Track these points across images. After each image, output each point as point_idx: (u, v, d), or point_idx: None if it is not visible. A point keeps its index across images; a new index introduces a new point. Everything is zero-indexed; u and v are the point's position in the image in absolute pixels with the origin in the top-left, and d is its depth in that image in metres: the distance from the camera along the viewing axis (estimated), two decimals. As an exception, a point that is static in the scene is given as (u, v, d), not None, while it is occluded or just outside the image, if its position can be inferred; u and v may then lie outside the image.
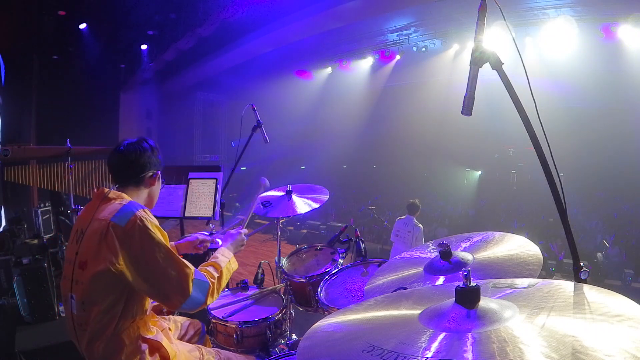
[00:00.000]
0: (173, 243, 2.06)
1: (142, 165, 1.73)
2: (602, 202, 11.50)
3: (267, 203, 2.91)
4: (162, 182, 1.88)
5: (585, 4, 8.23)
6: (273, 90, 13.97)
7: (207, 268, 1.71)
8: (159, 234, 1.56)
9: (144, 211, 1.58)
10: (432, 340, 0.86)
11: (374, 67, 13.16)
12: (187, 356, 1.74)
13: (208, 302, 1.62)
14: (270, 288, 2.55)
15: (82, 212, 1.72)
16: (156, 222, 1.59)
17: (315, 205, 2.84)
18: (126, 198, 1.65)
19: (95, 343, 1.51)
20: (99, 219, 1.56)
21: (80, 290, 1.53)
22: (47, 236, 4.12)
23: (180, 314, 2.27)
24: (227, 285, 2.84)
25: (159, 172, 1.81)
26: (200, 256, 3.11)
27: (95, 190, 1.70)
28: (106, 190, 1.66)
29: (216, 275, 1.69)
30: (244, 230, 2.06)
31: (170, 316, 2.06)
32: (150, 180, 1.78)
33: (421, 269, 1.55)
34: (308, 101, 15.15)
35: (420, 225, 5.97)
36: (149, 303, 1.67)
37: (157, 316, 1.85)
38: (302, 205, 2.85)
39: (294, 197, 2.91)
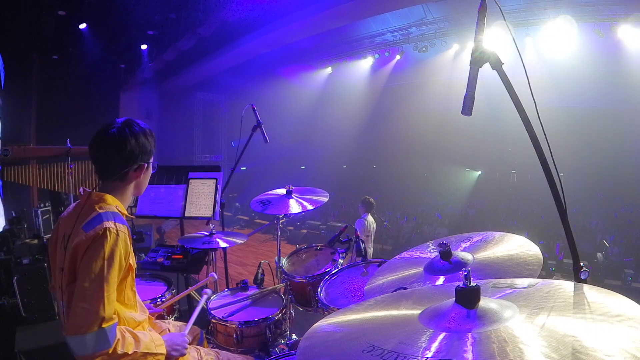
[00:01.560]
0: None
1: (125, 160, 1.53)
2: (602, 202, 11.51)
3: (267, 201, 2.91)
4: (154, 166, 1.68)
5: (585, 4, 8.23)
6: (273, 90, 13.97)
7: (127, 337, 1.42)
8: (110, 259, 1.38)
9: (115, 225, 1.42)
10: (432, 340, 0.86)
11: (374, 67, 13.16)
12: (185, 357, 1.74)
13: None
14: (270, 288, 2.55)
15: (68, 214, 1.59)
16: (121, 243, 1.41)
17: (311, 207, 2.84)
18: (106, 203, 1.50)
19: None
20: (78, 227, 1.45)
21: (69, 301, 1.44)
22: (47, 236, 4.11)
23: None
24: (227, 286, 2.85)
25: (145, 163, 1.59)
26: (200, 256, 3.12)
27: (81, 191, 1.57)
28: (90, 192, 1.55)
29: (131, 350, 1.40)
30: (188, 337, 1.75)
31: (170, 320, 2.05)
32: (135, 174, 1.58)
33: (421, 269, 1.55)
34: (308, 101, 15.16)
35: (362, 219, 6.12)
36: (141, 314, 1.60)
37: (156, 320, 1.84)
38: (302, 205, 2.85)
39: (294, 197, 2.91)
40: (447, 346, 0.83)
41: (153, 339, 1.51)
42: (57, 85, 9.58)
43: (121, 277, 1.44)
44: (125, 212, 1.57)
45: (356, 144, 15.65)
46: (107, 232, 1.39)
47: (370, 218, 6.08)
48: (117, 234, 1.42)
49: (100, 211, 1.46)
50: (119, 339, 1.39)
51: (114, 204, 1.53)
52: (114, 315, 1.39)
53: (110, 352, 1.36)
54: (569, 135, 9.58)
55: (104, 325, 1.34)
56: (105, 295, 1.36)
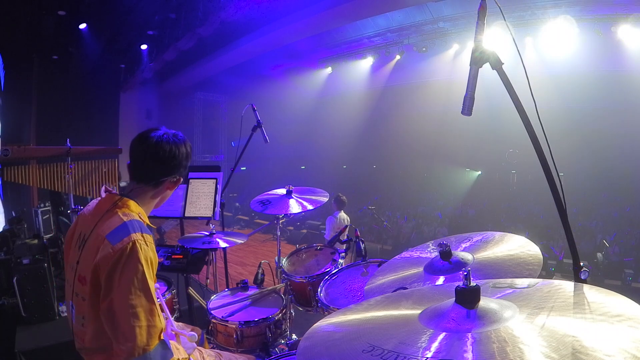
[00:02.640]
0: None
1: (169, 168, 1.51)
2: (602, 202, 11.51)
3: (267, 201, 2.91)
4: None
5: (585, 3, 8.24)
6: (273, 90, 13.98)
7: (172, 344, 1.46)
8: (148, 270, 1.35)
9: (142, 236, 1.38)
10: (432, 340, 0.86)
11: (374, 67, 13.17)
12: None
13: None
14: (270, 288, 2.55)
15: (89, 213, 1.52)
16: (151, 253, 1.39)
17: (311, 207, 2.84)
18: (132, 210, 1.46)
19: (94, 356, 1.44)
20: (98, 232, 1.40)
21: (80, 304, 1.42)
22: (47, 236, 4.11)
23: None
24: (227, 286, 2.85)
25: (180, 177, 1.58)
26: (200, 256, 3.12)
27: (104, 192, 1.52)
28: (115, 197, 1.49)
29: (181, 356, 1.47)
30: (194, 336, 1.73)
31: (172, 320, 2.05)
32: (169, 185, 1.56)
33: (421, 269, 1.55)
34: (308, 101, 15.16)
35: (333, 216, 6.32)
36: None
37: None
38: (302, 205, 2.85)
39: (294, 197, 2.91)
40: (447, 346, 0.83)
41: (180, 345, 1.58)
42: (57, 86, 9.59)
43: None
44: (147, 221, 1.52)
45: (356, 144, 15.65)
46: (137, 244, 1.35)
47: (342, 215, 6.26)
48: (147, 244, 1.38)
49: (125, 219, 1.40)
50: (172, 346, 1.41)
51: (136, 210, 1.48)
52: (164, 321, 1.38)
53: None
54: (569, 135, 9.58)
55: (162, 336, 1.34)
56: (156, 305, 1.34)
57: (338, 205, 6.30)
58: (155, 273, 1.43)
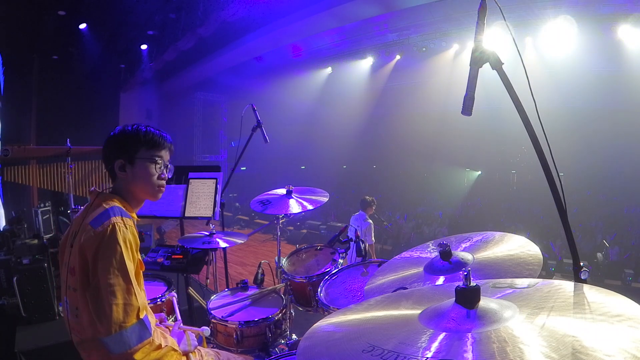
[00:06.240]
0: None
1: (109, 156, 1.57)
2: (602, 202, 11.51)
3: (267, 201, 2.91)
4: (154, 163, 1.61)
5: (585, 3, 8.24)
6: (273, 90, 13.98)
7: (157, 330, 1.49)
8: (126, 251, 1.40)
9: (122, 219, 1.45)
10: (432, 340, 0.86)
11: (374, 67, 13.16)
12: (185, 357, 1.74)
13: (136, 357, 1.35)
14: (270, 288, 2.55)
15: (80, 213, 1.61)
16: (130, 235, 1.44)
17: (311, 207, 2.84)
18: (113, 201, 1.53)
19: (91, 351, 1.47)
20: (84, 223, 1.47)
21: (72, 296, 1.47)
22: (47, 236, 4.11)
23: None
24: (227, 286, 2.84)
25: (120, 160, 1.55)
26: (200, 256, 3.12)
27: (90, 191, 1.62)
28: (98, 191, 1.58)
29: (163, 343, 1.45)
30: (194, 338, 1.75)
31: (171, 321, 2.05)
32: (120, 172, 1.57)
33: (421, 269, 1.55)
34: (308, 101, 15.16)
35: (369, 220, 6.22)
36: (149, 313, 1.60)
37: (160, 324, 1.84)
38: (302, 205, 2.85)
39: (294, 197, 2.91)
40: (447, 346, 0.83)
41: (188, 340, 1.63)
42: (57, 86, 9.58)
43: (135, 271, 1.46)
44: (134, 216, 1.57)
45: (356, 144, 15.66)
46: (117, 226, 1.41)
47: (364, 217, 6.34)
48: (126, 227, 1.45)
49: (107, 207, 1.48)
50: (154, 329, 1.43)
51: (122, 204, 1.55)
52: (142, 303, 1.41)
53: (151, 340, 1.40)
54: (569, 135, 9.58)
55: (141, 315, 1.38)
56: (133, 285, 1.39)
57: (361, 206, 6.36)
58: (136, 254, 1.47)
